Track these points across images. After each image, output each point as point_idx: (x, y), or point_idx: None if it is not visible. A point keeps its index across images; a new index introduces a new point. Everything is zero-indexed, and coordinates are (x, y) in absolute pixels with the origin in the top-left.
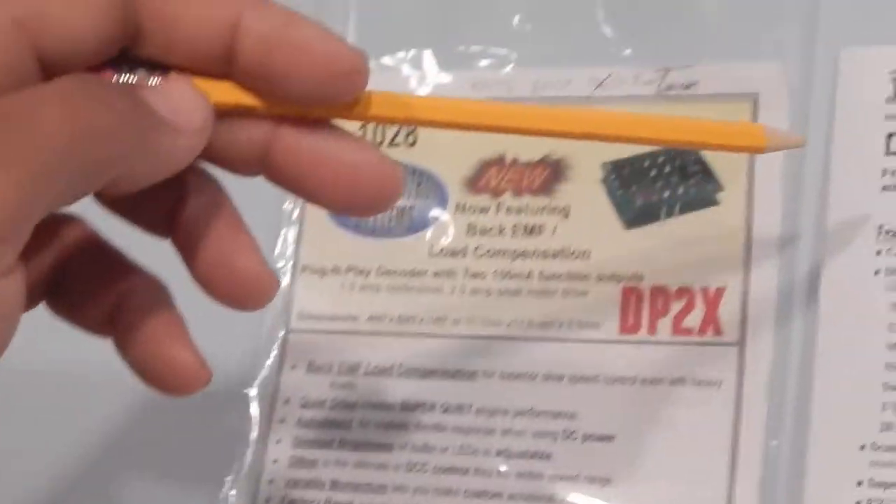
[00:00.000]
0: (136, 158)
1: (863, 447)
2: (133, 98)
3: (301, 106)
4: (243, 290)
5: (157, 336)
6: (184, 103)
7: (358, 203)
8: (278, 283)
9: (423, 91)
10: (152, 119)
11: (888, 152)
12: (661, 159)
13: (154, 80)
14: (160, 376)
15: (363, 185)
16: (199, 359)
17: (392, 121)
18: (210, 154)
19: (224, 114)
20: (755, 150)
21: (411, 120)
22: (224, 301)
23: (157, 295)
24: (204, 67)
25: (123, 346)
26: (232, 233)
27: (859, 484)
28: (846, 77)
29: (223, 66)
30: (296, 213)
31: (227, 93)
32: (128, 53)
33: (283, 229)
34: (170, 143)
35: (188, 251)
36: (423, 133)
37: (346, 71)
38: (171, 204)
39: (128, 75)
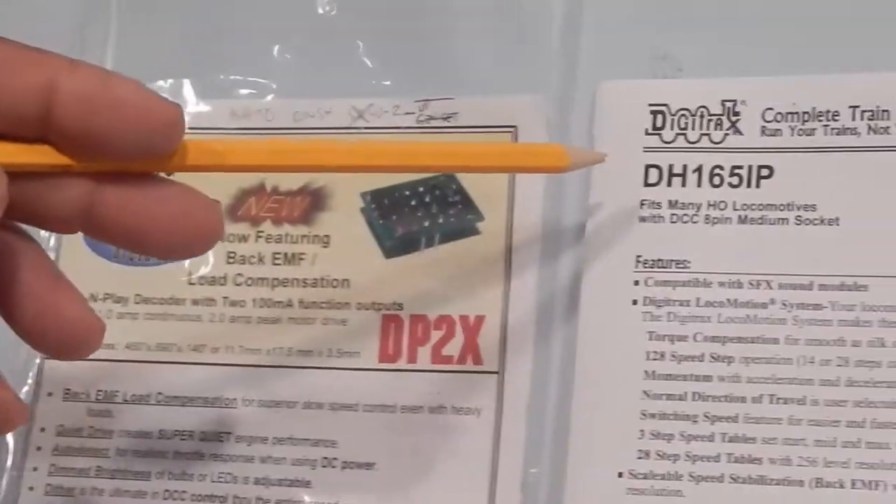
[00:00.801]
0: None
1: (621, 474)
2: None
3: (120, 161)
4: (73, 339)
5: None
6: None
7: (185, 247)
8: (104, 325)
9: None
10: None
11: (647, 184)
12: (421, 189)
13: None
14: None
15: (190, 230)
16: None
17: (211, 169)
18: (26, 215)
19: (39, 175)
20: (558, 170)
21: (229, 167)
22: (51, 351)
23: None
24: (18, 132)
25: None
26: (54, 285)
27: None
28: (605, 109)
29: (39, 128)
30: (52, 241)
31: (43, 154)
32: None
33: None
34: None
35: (9, 307)
36: None
37: (164, 125)
38: None
39: None
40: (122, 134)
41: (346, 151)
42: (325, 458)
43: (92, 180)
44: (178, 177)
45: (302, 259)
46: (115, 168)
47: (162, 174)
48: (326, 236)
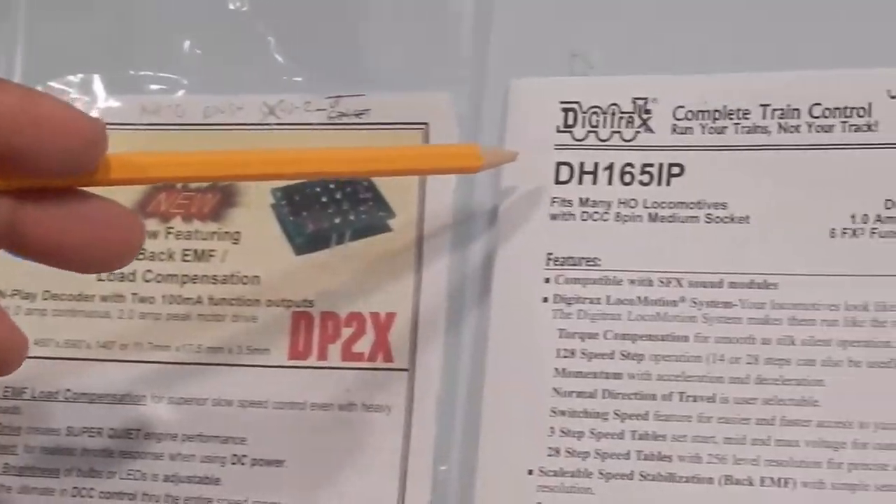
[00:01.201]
0: None
1: (531, 472)
2: None
3: (43, 178)
4: None
5: None
6: None
7: (107, 261)
8: (27, 341)
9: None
10: None
11: (558, 181)
12: (332, 185)
13: None
14: None
15: (112, 244)
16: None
17: (133, 182)
18: None
19: None
20: (472, 170)
21: (150, 179)
22: None
23: None
24: None
25: None
26: None
27: None
28: (516, 107)
29: None
30: None
31: None
32: None
33: None
34: None
35: None
36: None
37: (87, 142)
38: None
39: None
40: (46, 151)
41: (265, 161)
42: (235, 455)
43: (13, 198)
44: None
45: (212, 256)
46: (37, 185)
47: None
48: (237, 233)
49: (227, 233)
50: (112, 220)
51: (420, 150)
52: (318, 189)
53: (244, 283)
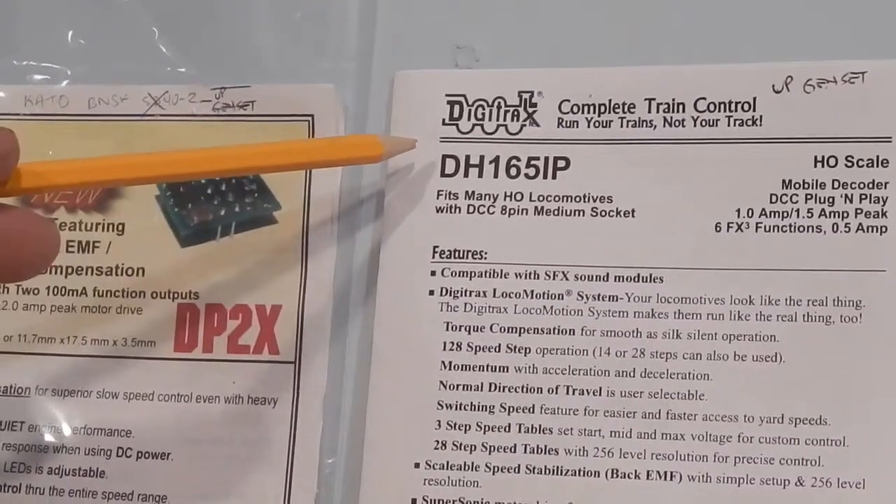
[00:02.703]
0: None
1: (417, 465)
2: None
3: None
4: None
5: None
6: None
7: (24, 269)
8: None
9: None
10: None
11: (444, 174)
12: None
13: None
14: None
15: (29, 252)
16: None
17: (42, 190)
18: None
19: None
20: (374, 159)
21: (58, 187)
22: None
23: None
24: None
25: None
26: None
27: (413, 501)
28: (402, 99)
29: None
30: None
31: None
32: None
33: None
34: None
35: None
36: None
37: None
38: None
39: None
40: None
41: (167, 162)
42: (120, 448)
43: None
44: None
45: (96, 247)
46: None
47: None
48: (121, 224)
49: (111, 224)
50: (28, 229)
51: (320, 142)
52: (203, 181)
53: (129, 275)
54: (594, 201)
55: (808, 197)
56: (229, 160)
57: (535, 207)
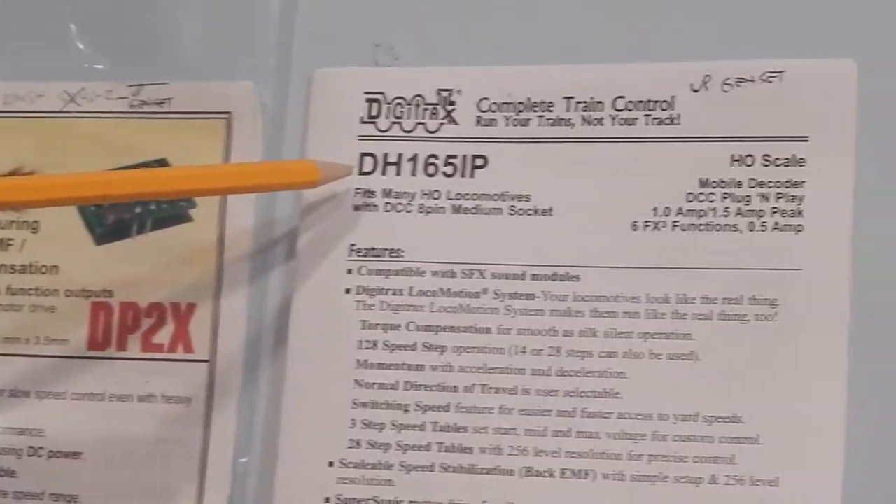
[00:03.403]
0: None
1: (331, 464)
2: None
3: None
4: None
5: None
6: None
7: None
8: None
9: None
10: None
11: (361, 172)
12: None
13: None
14: None
15: None
16: None
17: None
18: None
19: None
20: (310, 185)
21: None
22: None
23: None
24: None
25: None
26: None
27: (327, 501)
28: (320, 97)
29: None
30: None
31: None
32: None
33: None
34: None
35: None
36: None
37: None
38: None
39: None
40: None
41: (95, 183)
42: (31, 447)
43: None
44: None
45: (10, 245)
46: None
47: None
48: (36, 222)
49: (25, 221)
50: None
51: (255, 167)
52: None
53: (43, 273)
54: (512, 200)
55: (725, 196)
56: (159, 182)
57: (453, 205)
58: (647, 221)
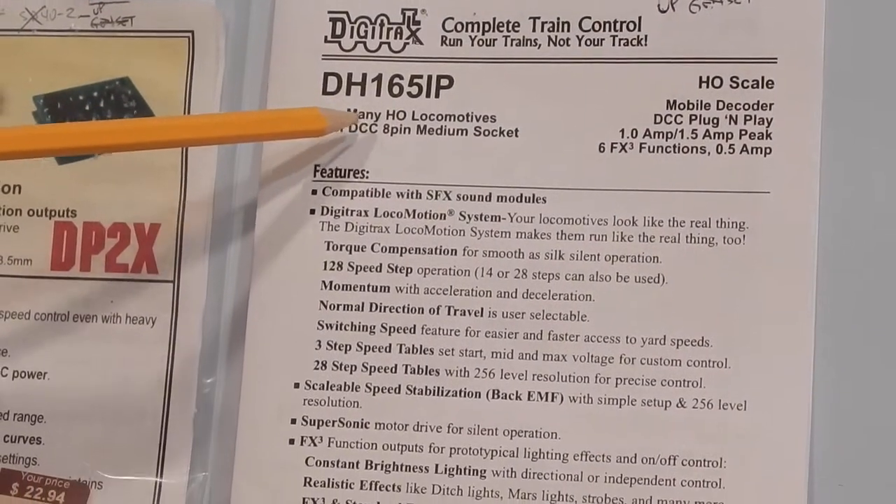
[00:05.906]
0: None
1: (297, 385)
2: None
3: None
4: None
5: None
6: None
7: None
8: None
9: None
10: None
11: (325, 92)
12: (95, 94)
13: None
14: None
15: None
16: None
17: None
18: None
19: None
20: (315, 134)
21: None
22: None
23: None
24: None
25: None
26: None
27: (293, 422)
28: (284, 16)
29: None
30: None
31: None
32: None
33: None
34: None
35: None
36: None
37: None
38: None
39: None
40: None
41: (97, 133)
42: None
43: None
44: None
45: None
46: None
47: None
48: None
49: None
50: None
51: (262, 115)
52: (81, 97)
53: (5, 193)
54: (477, 120)
55: (693, 118)
56: (160, 132)
57: (418, 126)
58: (614, 143)
